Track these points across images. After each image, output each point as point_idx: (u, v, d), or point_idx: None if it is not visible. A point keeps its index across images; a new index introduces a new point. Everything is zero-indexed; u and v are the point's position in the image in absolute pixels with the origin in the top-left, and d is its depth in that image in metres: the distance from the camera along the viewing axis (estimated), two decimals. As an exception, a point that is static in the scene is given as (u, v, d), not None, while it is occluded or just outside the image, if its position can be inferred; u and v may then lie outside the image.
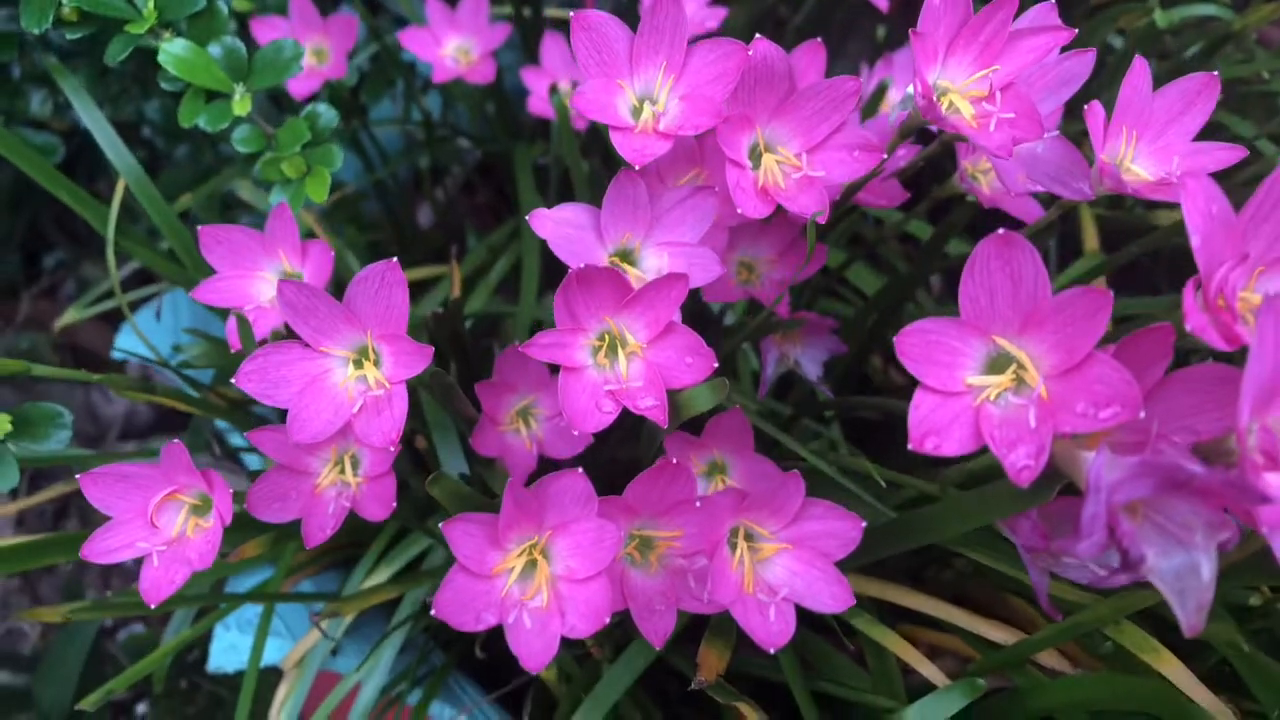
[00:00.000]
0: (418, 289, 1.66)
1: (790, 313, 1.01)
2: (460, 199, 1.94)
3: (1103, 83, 1.50)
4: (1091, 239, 1.39)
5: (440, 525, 0.66)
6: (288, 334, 0.87)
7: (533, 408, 0.95)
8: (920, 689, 0.93)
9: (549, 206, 1.51)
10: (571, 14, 0.75)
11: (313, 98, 1.37)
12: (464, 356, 1.13)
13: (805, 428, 1.21)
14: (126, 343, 1.56)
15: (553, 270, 1.63)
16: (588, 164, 1.36)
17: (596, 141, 1.52)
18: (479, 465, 0.94)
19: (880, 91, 1.32)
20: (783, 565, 0.73)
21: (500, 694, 1.16)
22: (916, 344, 0.63)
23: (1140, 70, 0.82)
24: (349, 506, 0.84)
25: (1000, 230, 0.61)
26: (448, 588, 0.68)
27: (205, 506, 0.83)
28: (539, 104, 1.35)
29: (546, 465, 0.95)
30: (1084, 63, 0.84)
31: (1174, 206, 0.68)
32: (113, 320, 1.97)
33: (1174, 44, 1.58)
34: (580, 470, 0.68)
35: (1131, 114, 0.83)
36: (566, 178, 1.63)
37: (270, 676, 1.21)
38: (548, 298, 1.46)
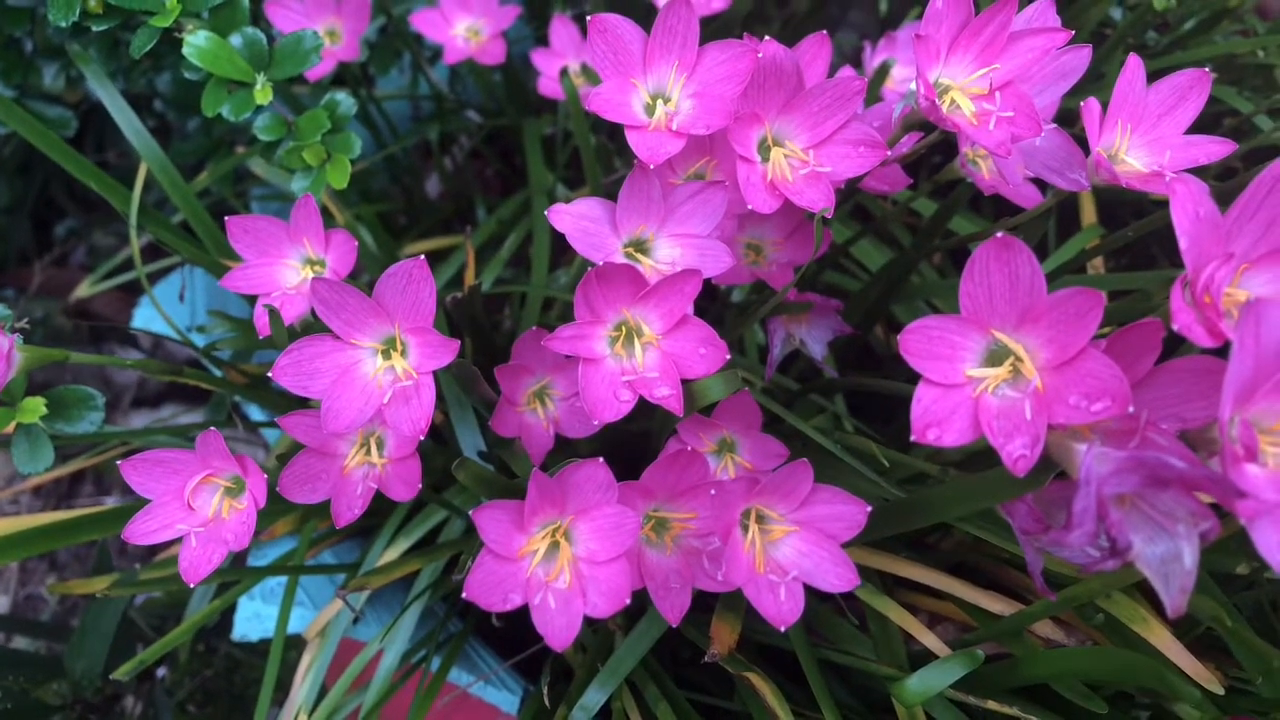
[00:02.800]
0: (429, 260, 1.68)
1: (796, 290, 1.05)
2: (468, 168, 1.96)
3: (1101, 55, 1.52)
4: (1090, 213, 1.42)
5: (470, 512, 0.70)
6: (314, 320, 0.91)
7: (549, 389, 0.99)
8: (921, 657, 0.98)
9: (558, 180, 1.55)
10: (589, 17, 0.78)
11: (321, 79, 1.40)
12: (480, 335, 1.17)
13: (809, 400, 1.25)
14: (144, 315, 1.59)
15: (563, 244, 1.67)
16: (595, 139, 1.39)
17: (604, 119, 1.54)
18: (496, 443, 0.98)
19: (883, 71, 1.34)
20: (792, 546, 0.78)
21: (516, 660, 1.21)
22: (919, 340, 0.67)
23: (1134, 66, 0.85)
24: (375, 487, 0.88)
25: (999, 234, 0.65)
26: (477, 570, 0.72)
27: (238, 488, 0.87)
28: (549, 85, 1.37)
29: (562, 443, 0.99)
30: (1081, 57, 0.87)
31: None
32: (125, 288, 2.00)
33: (1173, 16, 1.60)
34: (601, 460, 0.72)
35: (1127, 108, 0.86)
36: (573, 150, 1.66)
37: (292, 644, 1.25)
38: (558, 273, 1.50)
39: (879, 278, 1.28)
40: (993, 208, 1.44)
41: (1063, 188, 0.88)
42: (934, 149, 0.96)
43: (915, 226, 1.57)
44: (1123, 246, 1.54)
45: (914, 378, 1.38)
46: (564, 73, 1.28)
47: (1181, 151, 0.86)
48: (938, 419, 0.67)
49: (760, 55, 0.78)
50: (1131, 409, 0.61)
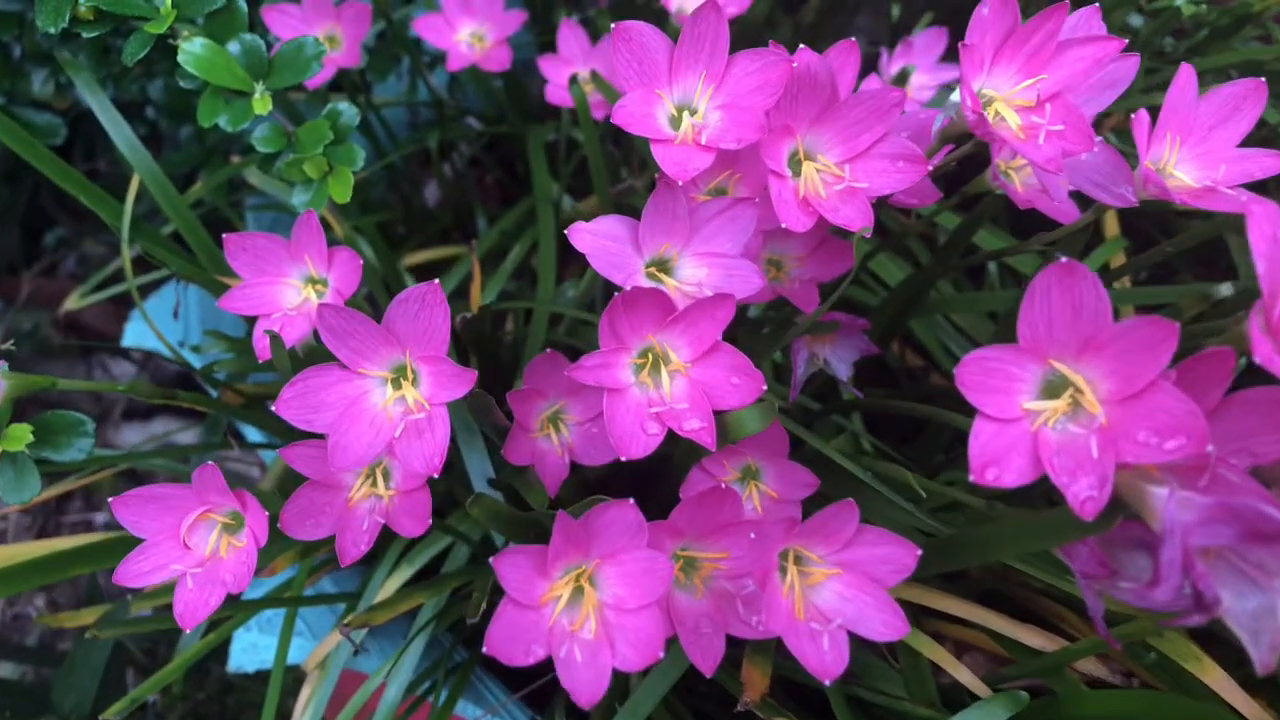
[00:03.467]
0: (429, 271, 1.64)
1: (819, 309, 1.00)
2: (468, 176, 1.91)
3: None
4: (1112, 225, 1.37)
5: (491, 560, 0.65)
6: (317, 344, 0.86)
7: (563, 414, 0.94)
8: (950, 690, 0.94)
9: (563, 190, 1.51)
10: (614, 25, 0.73)
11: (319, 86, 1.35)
12: (486, 353, 1.12)
13: (829, 420, 1.21)
14: (136, 330, 1.53)
15: (568, 255, 1.62)
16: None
17: (612, 125, 1.50)
18: (508, 472, 0.93)
19: (902, 78, 1.30)
20: (833, 591, 0.73)
21: (526, 692, 1.16)
22: (975, 372, 0.62)
23: (1186, 75, 0.80)
24: (382, 521, 0.83)
25: (1062, 259, 0.60)
26: (498, 622, 0.67)
27: (237, 524, 0.82)
28: (557, 93, 1.32)
29: (573, 468, 0.94)
30: (1129, 67, 0.83)
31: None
32: (117, 299, 1.95)
33: (1189, 22, 1.56)
34: (631, 502, 0.67)
35: (1176, 119, 0.81)
36: (577, 157, 1.62)
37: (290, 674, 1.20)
38: (565, 285, 1.45)
39: (898, 293, 1.24)
40: (1014, 222, 1.39)
41: (1109, 204, 0.83)
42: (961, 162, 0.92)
43: (930, 238, 1.52)
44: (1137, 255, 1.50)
45: (931, 396, 1.33)
46: (573, 80, 1.23)
47: (1235, 165, 0.82)
48: (996, 456, 0.62)
49: (795, 65, 0.74)
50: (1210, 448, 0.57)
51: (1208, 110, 0.83)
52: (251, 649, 1.28)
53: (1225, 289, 1.12)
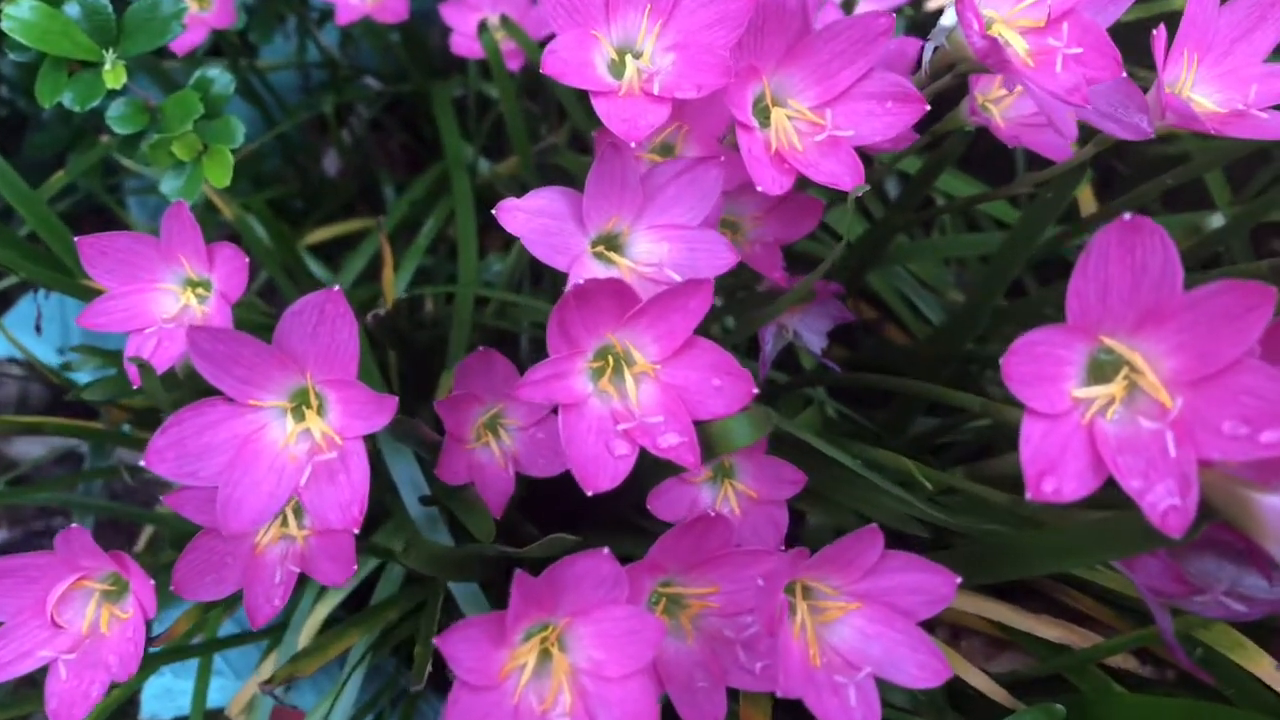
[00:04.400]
0: (334, 248, 1.48)
1: (785, 274, 0.88)
2: (370, 141, 1.75)
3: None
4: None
5: (435, 641, 0.52)
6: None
7: (501, 418, 0.80)
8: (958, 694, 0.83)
9: (477, 152, 1.36)
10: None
11: (195, 51, 1.19)
12: (403, 347, 0.98)
13: (796, 393, 1.09)
14: (5, 347, 1.36)
15: (490, 224, 1.47)
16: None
17: (527, 77, 1.35)
18: (445, 493, 0.79)
19: (849, 3, 1.16)
20: (853, 627, 0.60)
21: None
22: (1023, 362, 0.50)
23: (1207, -20, 0.69)
24: (298, 570, 0.70)
25: (1125, 216, 0.48)
26: (452, 711, 0.53)
27: (120, 589, 0.67)
28: (465, 44, 1.17)
29: (525, 483, 0.81)
30: (1140, -26, 0.71)
31: None
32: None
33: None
34: (606, 551, 0.54)
35: (1194, 35, 0.70)
36: (486, 113, 1.47)
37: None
38: (489, 259, 1.31)
39: (857, 247, 1.12)
40: (983, 167, 1.28)
41: (1120, 136, 0.72)
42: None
43: (877, 184, 1.40)
44: (1104, 189, 1.40)
45: (889, 350, 1.22)
46: (483, 27, 1.08)
47: (1264, 84, 0.71)
48: (1050, 462, 0.50)
49: (760, -10, 0.60)
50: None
51: (1229, 21, 0.71)
52: (166, 695, 1.14)
53: (1217, 220, 1.02)
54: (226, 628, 1.07)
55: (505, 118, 1.16)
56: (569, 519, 0.91)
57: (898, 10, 1.21)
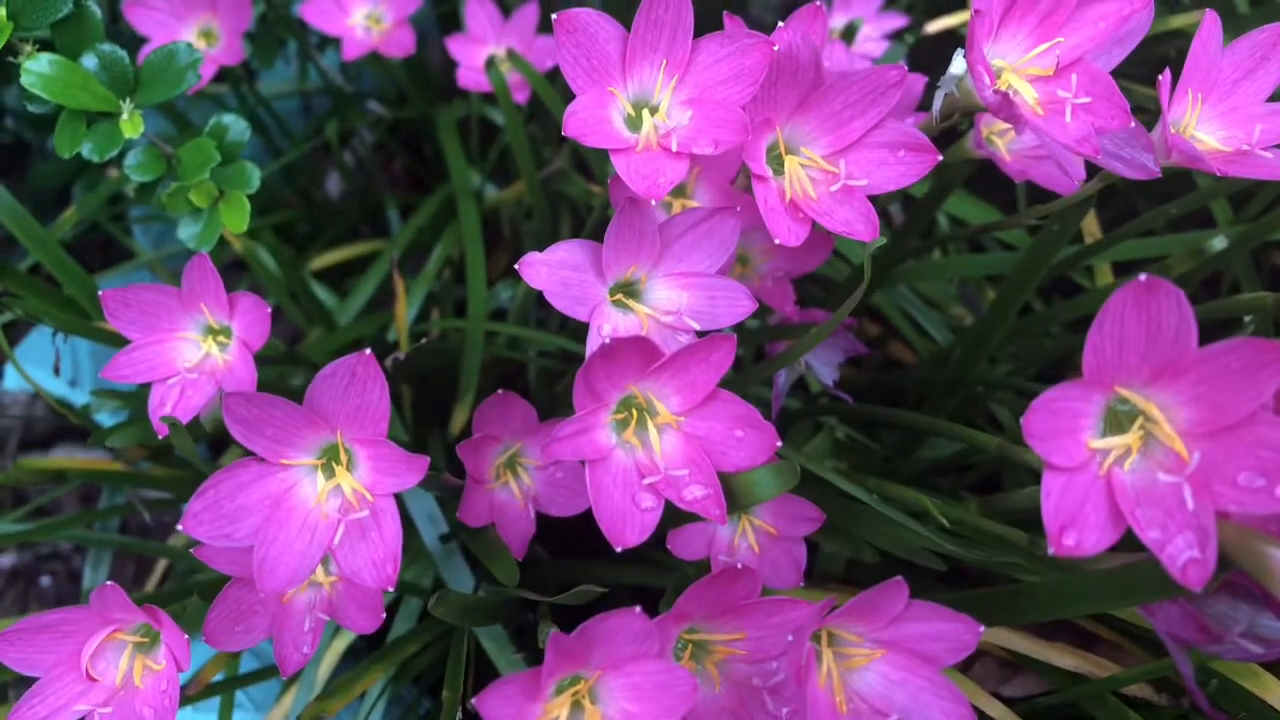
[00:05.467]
0: (341, 273, 1.49)
1: (797, 308, 0.89)
2: (373, 163, 1.75)
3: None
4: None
5: (473, 702, 0.53)
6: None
7: (520, 457, 0.82)
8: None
9: (482, 177, 1.36)
10: (554, 17, 0.60)
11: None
12: (419, 384, 0.99)
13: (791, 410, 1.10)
14: (15, 380, 1.37)
15: (498, 248, 1.48)
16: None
17: (535, 105, 1.36)
18: (465, 534, 0.80)
19: (849, 32, 1.17)
20: (878, 674, 0.61)
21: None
22: (1043, 419, 0.52)
23: (1211, 24, 0.70)
24: (326, 618, 0.71)
25: (1141, 278, 0.49)
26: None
27: (152, 640, 0.68)
28: (471, 77, 1.17)
29: (546, 524, 0.82)
30: (1144, 18, 0.71)
31: None
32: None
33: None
34: (638, 610, 0.55)
35: (1199, 75, 0.71)
36: (489, 138, 1.47)
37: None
38: (498, 288, 1.31)
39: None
40: (987, 189, 1.28)
41: (1127, 175, 0.73)
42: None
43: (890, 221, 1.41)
44: (1114, 217, 1.41)
45: (892, 366, 1.23)
46: (491, 63, 1.09)
47: (1266, 122, 0.72)
48: (1070, 515, 0.52)
49: (775, 48, 0.61)
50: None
51: (1232, 62, 0.72)
52: (185, 729, 1.15)
53: (1219, 242, 1.03)
54: (246, 661, 1.08)
55: (511, 146, 1.16)
56: (576, 540, 0.92)
57: (897, 36, 1.23)
